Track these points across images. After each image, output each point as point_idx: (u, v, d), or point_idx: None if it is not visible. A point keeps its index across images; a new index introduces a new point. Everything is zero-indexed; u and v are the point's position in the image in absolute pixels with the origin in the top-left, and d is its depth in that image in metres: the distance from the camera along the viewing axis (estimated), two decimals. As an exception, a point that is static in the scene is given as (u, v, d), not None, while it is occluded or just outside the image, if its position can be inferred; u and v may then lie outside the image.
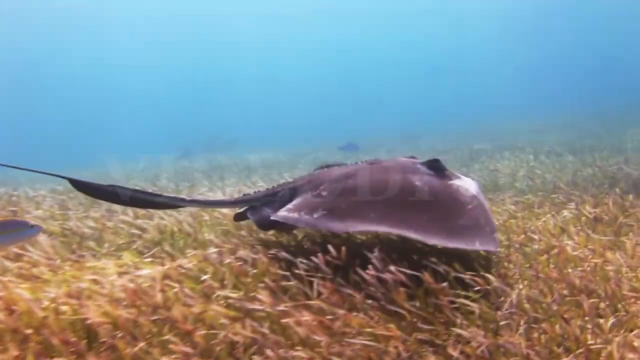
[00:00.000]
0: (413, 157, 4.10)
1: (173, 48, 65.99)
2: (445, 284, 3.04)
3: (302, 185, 3.84)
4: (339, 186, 3.62)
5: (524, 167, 9.72)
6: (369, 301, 3.00)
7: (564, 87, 42.55)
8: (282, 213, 3.51)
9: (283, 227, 3.68)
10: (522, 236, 4.29)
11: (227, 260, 3.49)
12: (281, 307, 2.86)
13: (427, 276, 3.04)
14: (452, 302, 2.98)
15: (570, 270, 3.49)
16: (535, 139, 15.15)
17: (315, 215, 3.37)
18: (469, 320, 2.89)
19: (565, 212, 5.20)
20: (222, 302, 3.02)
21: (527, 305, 3.02)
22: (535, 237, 4.20)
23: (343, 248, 3.30)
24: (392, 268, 3.10)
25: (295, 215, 3.43)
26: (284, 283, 3.17)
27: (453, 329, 2.80)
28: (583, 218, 4.91)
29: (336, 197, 3.51)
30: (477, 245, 3.15)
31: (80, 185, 3.77)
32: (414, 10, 57.25)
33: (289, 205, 3.59)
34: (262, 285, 3.15)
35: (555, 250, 3.79)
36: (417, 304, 2.98)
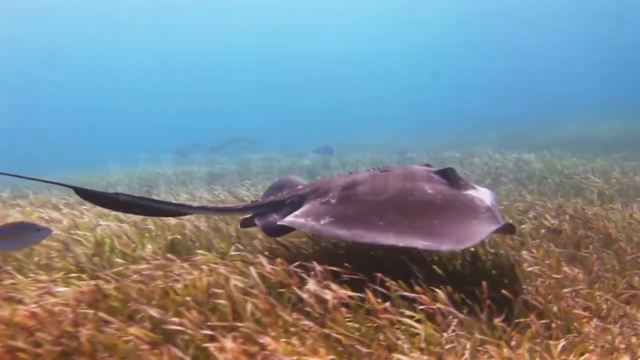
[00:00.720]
0: (428, 165, 3.99)
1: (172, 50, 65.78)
2: (387, 304, 2.82)
3: (311, 192, 3.77)
4: (347, 193, 3.55)
5: (491, 175, 9.63)
6: (306, 323, 2.76)
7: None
8: (289, 219, 3.44)
9: (290, 233, 3.61)
10: (481, 250, 4.10)
11: (159, 273, 3.23)
12: (206, 331, 2.60)
13: (370, 295, 2.82)
14: (398, 322, 2.77)
15: (524, 287, 3.31)
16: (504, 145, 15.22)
17: (322, 222, 3.28)
18: (411, 343, 2.68)
19: (526, 224, 5.05)
20: (146, 323, 2.75)
21: (475, 326, 2.81)
22: (492, 250, 4.01)
23: (278, 260, 3.06)
24: (333, 286, 2.88)
25: (302, 220, 3.36)
26: (215, 301, 2.91)
27: (394, 354, 2.57)
28: (542, 230, 4.76)
29: (344, 205, 3.44)
30: (493, 228, 3.00)
31: (85, 194, 3.73)
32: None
33: (297, 212, 3.54)
34: (190, 304, 2.88)
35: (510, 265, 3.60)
36: (357, 325, 2.76)
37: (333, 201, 3.50)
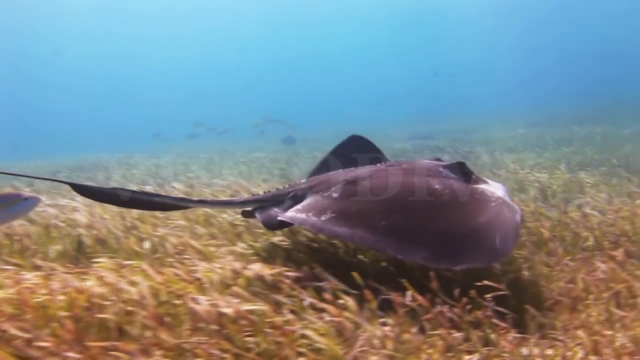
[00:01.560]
0: (438, 159, 3.83)
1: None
2: (290, 316, 2.58)
3: (315, 186, 3.64)
4: (351, 188, 3.43)
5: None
6: (202, 339, 2.49)
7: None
8: (290, 213, 3.32)
9: (290, 227, 3.52)
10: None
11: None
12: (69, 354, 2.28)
13: (269, 309, 2.57)
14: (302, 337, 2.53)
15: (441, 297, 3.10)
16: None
17: (322, 218, 3.14)
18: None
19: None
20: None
21: (389, 343, 2.58)
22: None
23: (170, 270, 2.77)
24: (229, 298, 2.61)
25: (303, 216, 3.23)
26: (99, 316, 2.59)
27: (291, 373, 2.33)
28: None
29: (347, 200, 3.31)
30: (497, 242, 2.85)
31: (81, 190, 3.70)
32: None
33: (298, 206, 3.42)
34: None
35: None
36: (259, 339, 2.50)
37: (335, 195, 3.38)
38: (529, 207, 5.35)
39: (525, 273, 3.56)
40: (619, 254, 3.88)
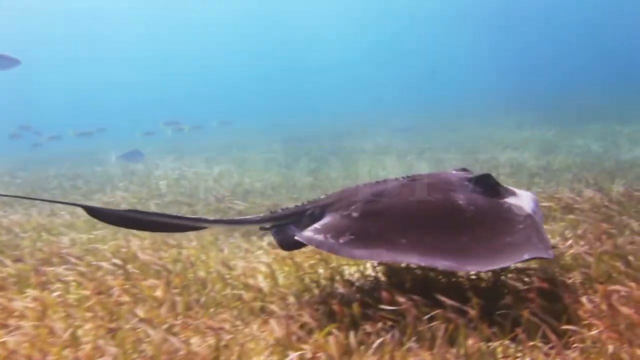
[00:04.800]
0: (465, 170, 3.74)
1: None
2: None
3: (333, 203, 3.51)
4: (371, 207, 3.30)
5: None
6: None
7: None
8: (307, 233, 3.21)
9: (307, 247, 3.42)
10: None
11: None
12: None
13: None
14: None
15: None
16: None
17: (341, 240, 3.07)
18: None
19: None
20: None
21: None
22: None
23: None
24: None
25: (321, 237, 3.13)
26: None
27: None
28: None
29: (367, 220, 3.21)
30: (526, 256, 2.75)
31: (96, 213, 3.69)
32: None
33: (317, 225, 3.30)
34: None
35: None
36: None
37: (355, 214, 3.27)
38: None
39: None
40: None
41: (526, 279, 2.88)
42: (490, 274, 3.33)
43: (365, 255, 3.03)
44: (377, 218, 3.19)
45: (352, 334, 2.63)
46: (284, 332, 2.74)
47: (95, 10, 57.65)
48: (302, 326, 2.86)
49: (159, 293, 3.48)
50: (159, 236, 5.16)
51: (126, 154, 16.25)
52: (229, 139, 21.97)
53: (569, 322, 2.55)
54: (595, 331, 2.38)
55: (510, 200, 3.28)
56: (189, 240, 5.13)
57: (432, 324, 2.66)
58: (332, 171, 10.68)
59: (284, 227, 3.57)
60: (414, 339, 2.59)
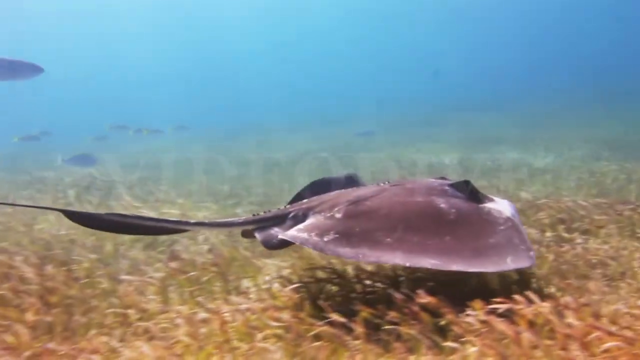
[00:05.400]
0: (443, 178, 3.84)
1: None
2: None
3: (317, 206, 3.58)
4: (354, 208, 3.37)
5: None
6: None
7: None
8: (292, 232, 3.29)
9: (290, 247, 3.47)
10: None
11: None
12: None
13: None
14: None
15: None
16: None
17: (325, 239, 3.10)
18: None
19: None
20: None
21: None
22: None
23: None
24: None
25: (305, 235, 3.19)
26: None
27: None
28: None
29: (350, 220, 3.26)
30: (509, 263, 2.80)
31: (75, 217, 3.63)
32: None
33: (300, 226, 3.37)
34: None
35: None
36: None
37: (338, 216, 3.34)
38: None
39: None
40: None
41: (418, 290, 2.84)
42: (382, 284, 3.38)
43: (350, 253, 3.01)
44: (360, 218, 3.26)
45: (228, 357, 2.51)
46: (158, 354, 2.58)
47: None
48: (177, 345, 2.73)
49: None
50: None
51: (75, 158, 14.60)
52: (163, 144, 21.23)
53: (450, 339, 2.55)
54: (473, 348, 2.38)
55: (489, 205, 3.41)
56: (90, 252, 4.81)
57: (315, 344, 2.57)
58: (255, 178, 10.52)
59: (267, 228, 3.62)
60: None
